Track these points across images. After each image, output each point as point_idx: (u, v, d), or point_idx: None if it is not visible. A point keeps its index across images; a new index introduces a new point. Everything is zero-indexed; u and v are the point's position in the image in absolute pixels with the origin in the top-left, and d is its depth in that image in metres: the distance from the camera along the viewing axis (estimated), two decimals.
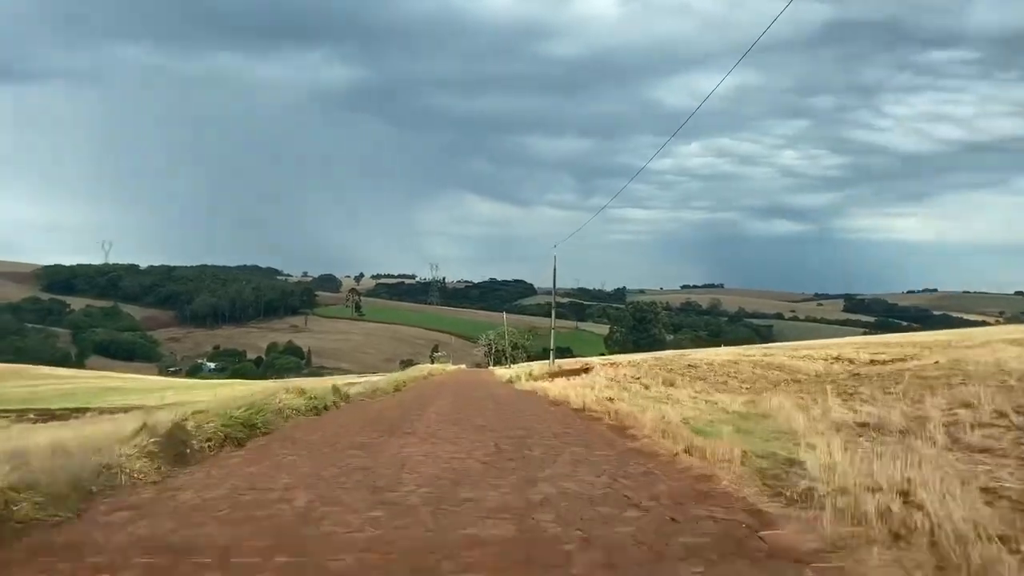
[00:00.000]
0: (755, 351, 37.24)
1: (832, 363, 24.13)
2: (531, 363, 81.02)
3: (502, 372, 56.87)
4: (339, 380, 70.68)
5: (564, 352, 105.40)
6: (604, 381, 25.89)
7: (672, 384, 22.62)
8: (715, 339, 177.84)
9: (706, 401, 16.17)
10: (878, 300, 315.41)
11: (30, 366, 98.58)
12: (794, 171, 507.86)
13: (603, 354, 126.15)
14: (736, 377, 23.17)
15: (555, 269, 53.48)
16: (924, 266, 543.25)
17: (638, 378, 26.75)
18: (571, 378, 32.85)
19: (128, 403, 57.73)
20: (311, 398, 15.75)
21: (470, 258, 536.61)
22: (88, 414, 42.25)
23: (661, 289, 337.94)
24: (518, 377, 37.18)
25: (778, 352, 32.86)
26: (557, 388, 24.60)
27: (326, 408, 16.44)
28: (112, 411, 44.40)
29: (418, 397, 23.93)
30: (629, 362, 37.18)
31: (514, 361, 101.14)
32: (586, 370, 39.68)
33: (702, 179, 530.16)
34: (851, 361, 23.71)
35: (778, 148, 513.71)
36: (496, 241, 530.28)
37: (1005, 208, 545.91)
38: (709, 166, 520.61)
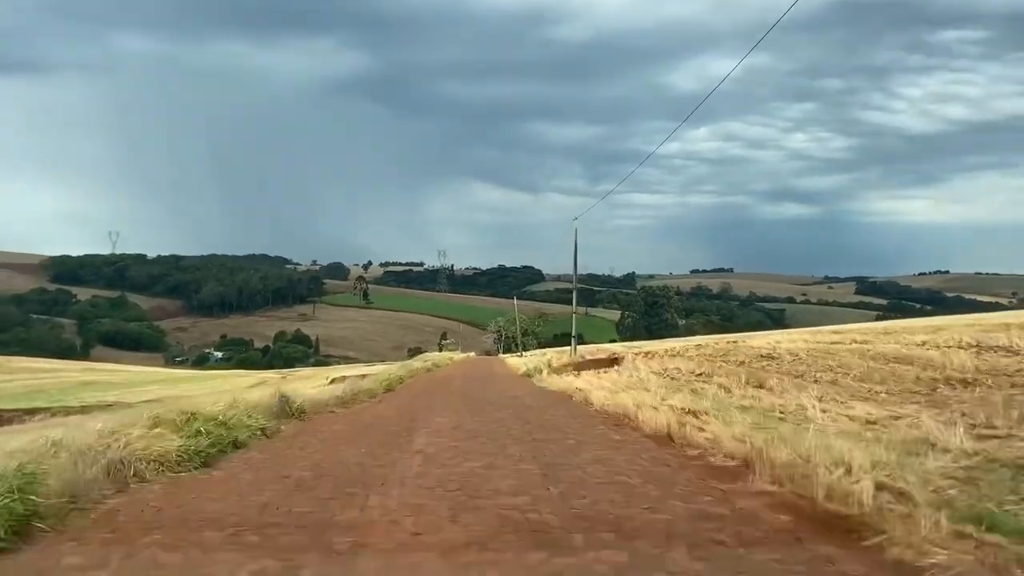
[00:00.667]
0: (831, 336, 30.24)
1: (973, 352, 17.53)
2: (545, 351, 74.24)
3: (515, 362, 50.01)
4: (344, 370, 64.46)
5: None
6: (654, 379, 19.10)
7: (762, 385, 15.88)
8: (728, 323, 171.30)
9: (886, 422, 9.45)
10: (890, 282, 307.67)
11: (13, 358, 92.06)
12: (803, 154, 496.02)
13: (614, 340, 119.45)
14: (847, 374, 16.40)
15: (576, 244, 46.66)
16: (935, 248, 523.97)
17: (700, 374, 20.02)
18: (601, 372, 26.13)
19: (103, 400, 51.51)
20: (202, 433, 8.67)
21: (479, 246, 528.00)
22: (37, 416, 36.19)
23: (671, 274, 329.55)
24: (537, 370, 30.45)
25: (874, 338, 25.95)
26: (594, 388, 17.92)
27: (234, 446, 9.46)
28: (74, 411, 38.47)
29: (408, 407, 16.96)
30: (667, 351, 30.28)
31: (525, 348, 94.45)
32: (615, 360, 32.98)
33: (711, 163, 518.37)
34: (1005, 349, 17.19)
35: (787, 131, 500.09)
36: (504, 228, 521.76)
37: (1015, 190, 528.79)
38: (718, 150, 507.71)
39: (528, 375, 30.08)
